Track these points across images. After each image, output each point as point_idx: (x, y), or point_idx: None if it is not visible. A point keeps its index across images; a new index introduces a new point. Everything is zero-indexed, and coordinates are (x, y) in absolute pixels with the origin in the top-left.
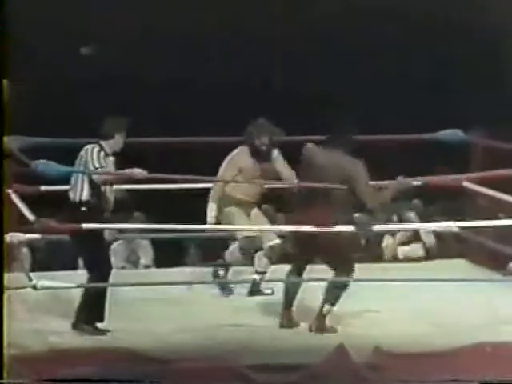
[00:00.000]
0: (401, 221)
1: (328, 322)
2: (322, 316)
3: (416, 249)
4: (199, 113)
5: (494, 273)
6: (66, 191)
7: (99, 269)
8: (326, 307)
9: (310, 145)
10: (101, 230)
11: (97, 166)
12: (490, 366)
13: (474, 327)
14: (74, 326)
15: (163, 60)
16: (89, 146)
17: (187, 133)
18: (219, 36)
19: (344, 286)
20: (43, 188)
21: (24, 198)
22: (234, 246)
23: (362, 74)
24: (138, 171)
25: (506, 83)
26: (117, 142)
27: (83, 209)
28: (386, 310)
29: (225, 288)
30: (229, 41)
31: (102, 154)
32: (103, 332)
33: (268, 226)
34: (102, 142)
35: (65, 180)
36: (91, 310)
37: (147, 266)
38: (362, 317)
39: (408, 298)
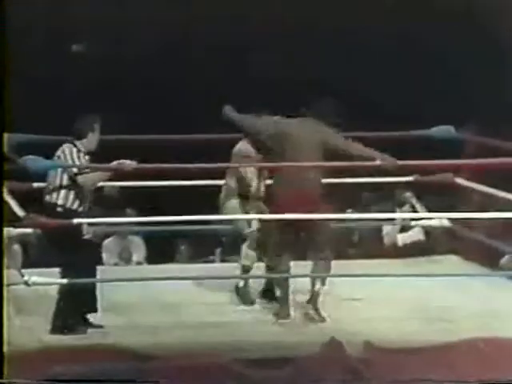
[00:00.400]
0: (398, 204)
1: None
2: (316, 296)
3: (416, 233)
4: (195, 110)
5: (485, 269)
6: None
7: (77, 269)
8: (317, 286)
9: (277, 117)
10: (79, 229)
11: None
12: (483, 362)
13: (466, 323)
14: (53, 331)
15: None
16: (65, 146)
17: (184, 131)
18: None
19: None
20: (36, 185)
21: (15, 194)
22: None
23: (358, 70)
24: (127, 163)
25: (500, 81)
26: (90, 141)
27: (59, 209)
28: (375, 306)
29: (245, 298)
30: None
31: (81, 154)
32: (84, 330)
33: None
34: (76, 142)
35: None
36: (70, 313)
37: (139, 263)
38: (352, 312)
39: (398, 294)
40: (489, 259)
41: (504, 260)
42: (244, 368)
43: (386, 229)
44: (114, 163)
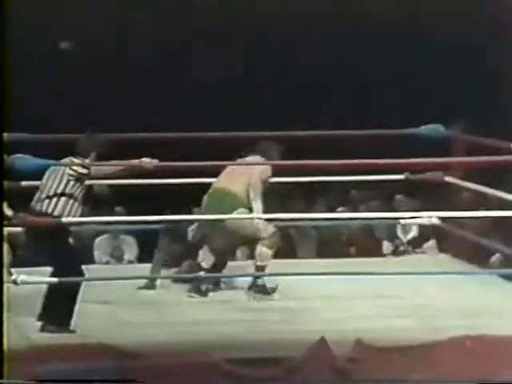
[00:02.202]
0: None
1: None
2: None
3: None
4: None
5: (475, 267)
6: None
7: (67, 269)
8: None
9: None
10: (66, 230)
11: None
12: (471, 360)
13: (455, 321)
14: (43, 329)
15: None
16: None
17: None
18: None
19: None
20: (24, 183)
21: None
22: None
23: (349, 69)
24: (147, 160)
25: (490, 79)
26: (91, 160)
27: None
28: (366, 304)
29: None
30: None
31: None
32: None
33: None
34: (81, 158)
35: (43, 174)
36: (60, 308)
37: (131, 262)
38: (343, 310)
39: (389, 293)
40: (479, 257)
41: (494, 258)
42: (228, 366)
43: (386, 247)
44: (136, 161)
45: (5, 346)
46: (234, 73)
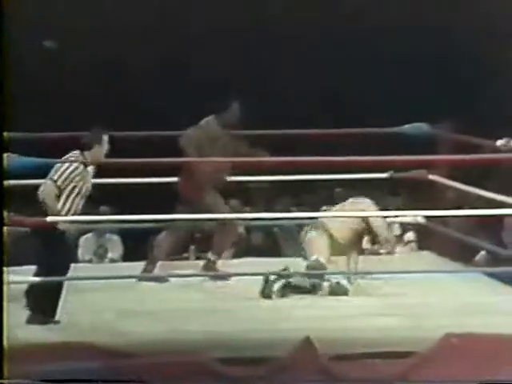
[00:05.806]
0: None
1: None
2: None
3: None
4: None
5: (460, 265)
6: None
7: (53, 266)
8: None
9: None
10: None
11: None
12: (455, 359)
13: (439, 319)
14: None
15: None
16: (72, 154)
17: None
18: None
19: None
20: (12, 182)
21: None
22: None
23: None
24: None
25: (475, 77)
26: (95, 152)
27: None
28: (351, 303)
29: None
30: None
31: (81, 168)
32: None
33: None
34: (85, 153)
35: (37, 173)
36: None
37: (113, 261)
38: (326, 309)
39: (374, 291)
40: (463, 255)
41: (479, 256)
42: (215, 365)
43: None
44: None
45: (5, 346)
46: None
